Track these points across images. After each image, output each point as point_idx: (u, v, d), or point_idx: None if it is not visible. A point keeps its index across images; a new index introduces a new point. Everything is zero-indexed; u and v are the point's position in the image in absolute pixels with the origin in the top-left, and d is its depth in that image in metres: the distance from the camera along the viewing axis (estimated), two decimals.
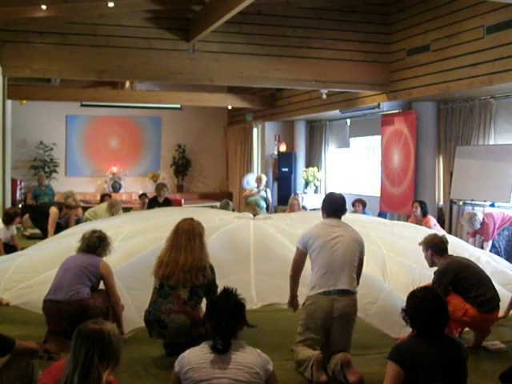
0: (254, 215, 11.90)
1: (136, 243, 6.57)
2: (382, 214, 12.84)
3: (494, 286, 5.21)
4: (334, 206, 4.86)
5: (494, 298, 5.07)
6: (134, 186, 17.76)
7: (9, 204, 10.56)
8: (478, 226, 8.68)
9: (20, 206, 14.44)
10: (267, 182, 13.75)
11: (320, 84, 11.08)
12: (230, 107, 17.37)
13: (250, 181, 14.44)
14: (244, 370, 2.96)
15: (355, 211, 10.81)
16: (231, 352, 2.99)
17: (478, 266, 5.37)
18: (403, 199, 10.70)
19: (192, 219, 4.89)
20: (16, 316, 5.82)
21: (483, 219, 8.67)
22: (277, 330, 5.47)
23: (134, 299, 5.48)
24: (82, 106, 16.09)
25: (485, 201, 9.88)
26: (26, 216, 12.37)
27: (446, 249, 5.35)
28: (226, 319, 3.03)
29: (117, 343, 2.76)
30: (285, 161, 15.70)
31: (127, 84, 15.63)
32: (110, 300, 5.03)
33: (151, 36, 10.03)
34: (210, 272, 4.70)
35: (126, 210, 12.31)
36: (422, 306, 3.20)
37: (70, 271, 4.99)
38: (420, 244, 5.47)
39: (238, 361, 2.98)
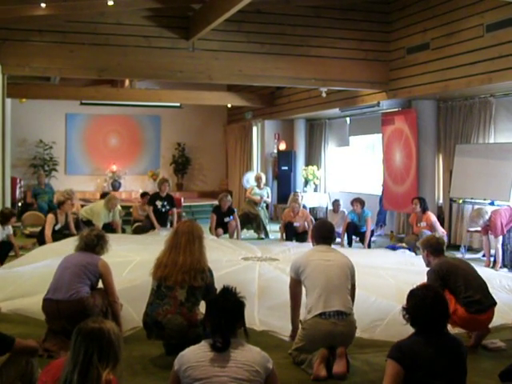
0: (253, 214, 12.04)
1: (142, 274, 6.50)
2: (382, 213, 12.85)
3: (485, 290, 5.20)
4: (323, 234, 4.97)
5: (483, 300, 5.06)
6: (133, 185, 17.77)
7: (8, 202, 10.55)
8: (487, 217, 8.68)
9: (19, 204, 14.48)
10: (266, 180, 13.76)
11: (320, 82, 11.09)
12: (229, 105, 17.37)
13: (249, 179, 14.45)
14: (244, 368, 2.96)
15: (354, 210, 10.80)
16: (231, 350, 2.99)
17: (472, 268, 5.37)
18: (406, 198, 10.71)
19: (192, 221, 4.88)
20: (16, 315, 5.82)
21: (490, 216, 8.68)
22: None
23: (133, 304, 5.50)
24: (82, 104, 16.08)
25: (484, 199, 9.89)
26: (26, 214, 12.39)
27: (442, 250, 5.38)
28: (225, 317, 3.04)
29: (117, 342, 2.76)
30: (284, 159, 15.70)
31: (127, 82, 15.63)
32: (108, 298, 5.04)
33: (151, 34, 10.03)
34: (209, 275, 4.69)
35: (126, 208, 12.32)
36: (424, 304, 3.19)
37: (69, 270, 4.98)
38: (418, 244, 5.55)
39: (237, 359, 2.98)
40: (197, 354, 3.01)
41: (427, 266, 5.41)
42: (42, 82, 14.21)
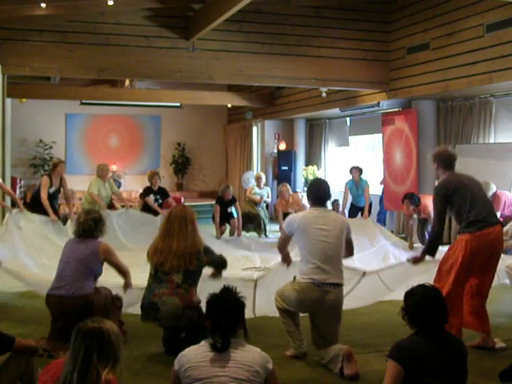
0: (253, 213, 12.04)
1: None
2: (382, 213, 12.85)
3: (489, 210, 5.14)
4: (319, 193, 4.97)
5: (485, 220, 5.00)
6: (133, 184, 17.75)
7: (9, 202, 10.51)
8: (490, 193, 8.61)
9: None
10: (266, 179, 13.76)
11: (320, 82, 11.09)
12: (229, 105, 17.37)
13: (248, 179, 14.45)
14: (244, 368, 2.95)
15: (353, 178, 11.18)
16: (231, 350, 2.99)
17: (479, 186, 5.28)
18: None
19: (184, 206, 4.95)
20: (16, 314, 5.82)
21: (496, 191, 8.69)
22: (276, 329, 5.47)
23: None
24: (82, 104, 16.08)
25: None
26: None
27: (452, 165, 5.28)
28: (225, 318, 3.03)
29: (116, 342, 2.76)
30: (284, 159, 15.70)
31: (127, 82, 15.63)
32: (120, 273, 5.12)
33: (151, 34, 10.03)
34: (204, 253, 4.77)
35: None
36: (424, 302, 3.19)
37: (71, 265, 4.96)
38: (431, 156, 5.41)
39: (237, 359, 2.97)
40: (197, 354, 3.01)
41: (437, 178, 5.36)
42: (42, 82, 14.21)
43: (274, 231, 12.25)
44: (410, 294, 3.30)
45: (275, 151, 16.19)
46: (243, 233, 11.95)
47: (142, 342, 5.10)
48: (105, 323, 2.79)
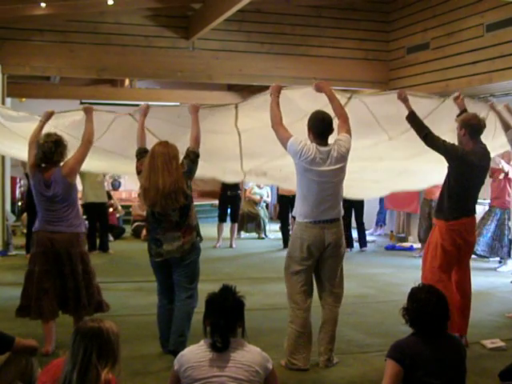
0: (253, 213, 12.05)
1: None
2: (382, 212, 12.84)
3: (472, 200, 5.12)
4: (322, 127, 4.66)
5: (461, 210, 5.00)
6: (133, 184, 17.73)
7: (8, 202, 10.55)
8: None
9: (19, 204, 14.46)
10: None
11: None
12: None
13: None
14: (243, 368, 2.95)
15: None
16: (230, 350, 2.98)
17: (483, 175, 5.16)
18: (408, 197, 10.70)
19: (167, 142, 4.87)
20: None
21: None
22: (276, 329, 5.47)
23: None
24: (82, 104, 16.04)
25: (484, 199, 9.87)
26: (25, 215, 12.37)
27: (479, 134, 5.08)
28: (224, 318, 3.02)
29: (115, 341, 2.76)
30: None
31: (127, 82, 15.63)
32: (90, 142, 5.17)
33: (151, 34, 10.03)
34: (184, 176, 4.81)
35: (126, 207, 12.32)
36: (426, 309, 3.17)
37: (54, 209, 4.95)
38: (456, 120, 5.17)
39: (237, 359, 2.97)
40: (197, 354, 3.01)
41: (459, 143, 5.11)
42: (42, 82, 14.20)
43: (273, 231, 12.27)
44: (413, 297, 3.26)
45: None
46: (242, 232, 11.99)
47: (142, 342, 5.10)
48: (104, 323, 2.79)
